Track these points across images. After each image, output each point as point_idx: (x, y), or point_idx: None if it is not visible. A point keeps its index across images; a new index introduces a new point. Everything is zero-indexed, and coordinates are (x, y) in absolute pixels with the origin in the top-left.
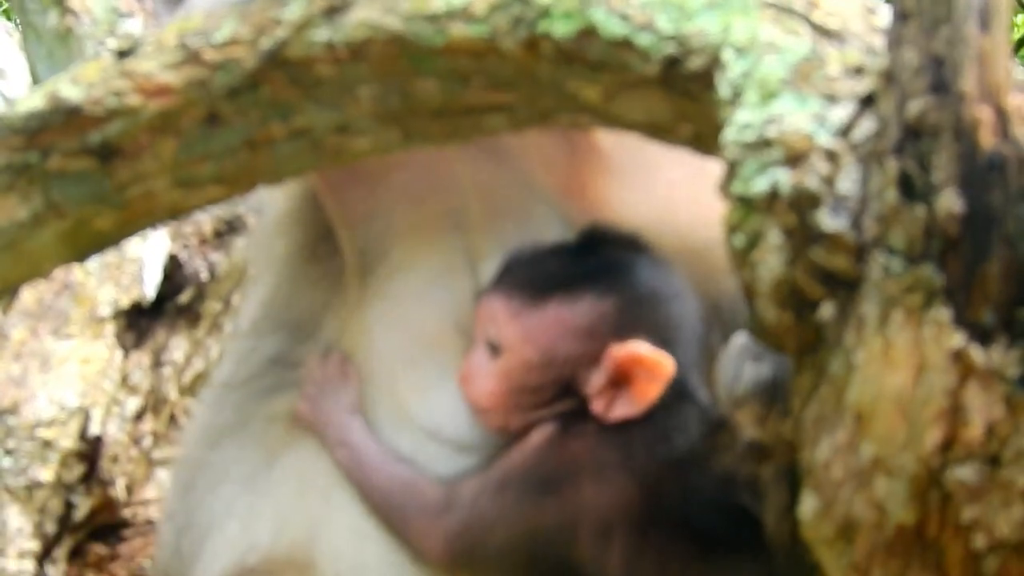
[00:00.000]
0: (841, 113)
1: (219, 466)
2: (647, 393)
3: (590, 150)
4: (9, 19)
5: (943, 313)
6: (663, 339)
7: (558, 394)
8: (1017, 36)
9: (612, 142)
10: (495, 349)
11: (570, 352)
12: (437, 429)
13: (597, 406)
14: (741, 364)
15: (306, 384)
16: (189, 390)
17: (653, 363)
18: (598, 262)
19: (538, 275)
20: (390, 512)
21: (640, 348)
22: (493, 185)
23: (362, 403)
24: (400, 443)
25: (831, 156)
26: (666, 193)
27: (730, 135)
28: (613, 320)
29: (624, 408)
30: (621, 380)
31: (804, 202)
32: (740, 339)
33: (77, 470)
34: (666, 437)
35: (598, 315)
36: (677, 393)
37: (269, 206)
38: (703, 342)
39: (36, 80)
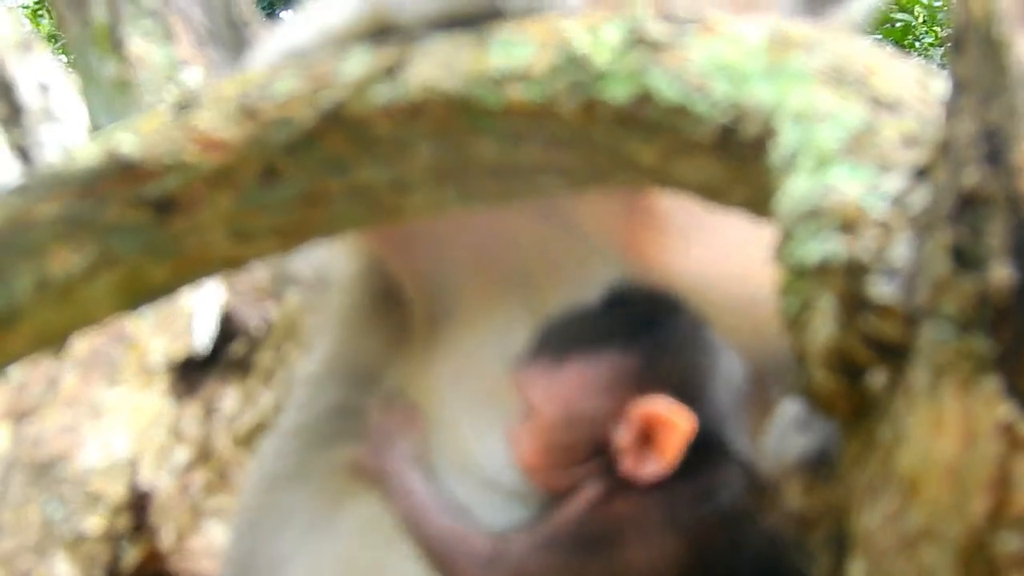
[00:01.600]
0: (895, 183)
1: (281, 511)
2: (670, 449)
3: (647, 209)
4: (69, 64)
5: (993, 383)
6: (689, 394)
7: (594, 452)
8: None
9: (669, 201)
10: (529, 412)
11: (595, 409)
12: (497, 478)
13: (625, 464)
14: (788, 434)
15: (370, 432)
16: (240, 441)
17: (671, 419)
18: (622, 319)
19: (563, 335)
20: (441, 564)
21: (658, 404)
22: (553, 245)
23: (425, 451)
24: (460, 491)
25: (884, 226)
26: (724, 252)
27: (783, 203)
28: (635, 376)
29: (652, 465)
30: (646, 437)
31: (856, 271)
32: (787, 408)
33: (126, 520)
34: (710, 495)
35: (619, 371)
36: (715, 449)
37: (334, 267)
38: (742, 397)
39: (95, 126)
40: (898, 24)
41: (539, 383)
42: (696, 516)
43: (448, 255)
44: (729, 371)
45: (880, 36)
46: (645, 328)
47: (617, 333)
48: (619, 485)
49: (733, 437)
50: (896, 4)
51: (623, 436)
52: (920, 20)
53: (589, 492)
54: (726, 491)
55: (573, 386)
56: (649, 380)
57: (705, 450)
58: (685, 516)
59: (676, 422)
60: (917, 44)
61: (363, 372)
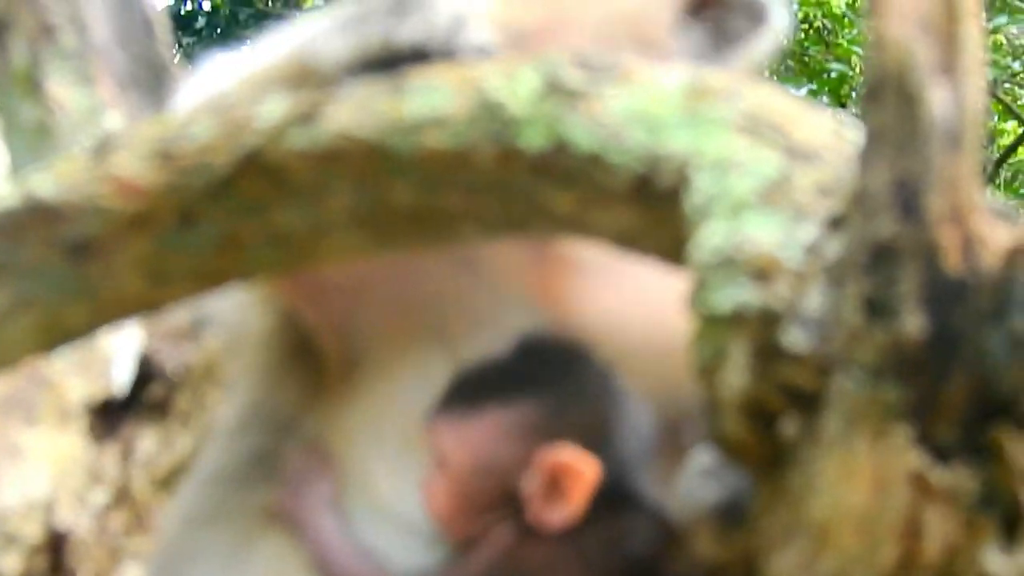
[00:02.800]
0: (809, 232)
1: (196, 552)
2: (576, 497)
3: (559, 258)
4: None
5: (904, 432)
6: (596, 442)
7: (505, 502)
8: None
9: (582, 250)
10: (440, 462)
11: (503, 458)
12: (411, 523)
13: (533, 511)
14: (699, 481)
15: (286, 477)
16: (158, 483)
17: (577, 467)
18: (531, 369)
19: (471, 388)
20: None
21: (565, 452)
22: (468, 295)
23: (340, 496)
24: (374, 536)
25: (798, 275)
26: (636, 300)
27: (697, 250)
28: (544, 425)
29: (559, 513)
30: (553, 485)
31: (769, 319)
32: (699, 455)
33: (43, 561)
34: (618, 542)
35: (527, 420)
36: (623, 497)
37: (250, 316)
38: (650, 445)
39: (17, 168)
40: (833, 74)
41: (449, 433)
42: (604, 564)
43: (363, 304)
44: (637, 420)
45: (816, 86)
46: (554, 378)
47: (526, 383)
48: (528, 532)
49: (641, 485)
50: (832, 54)
51: (531, 484)
52: (857, 70)
53: (499, 539)
54: (634, 539)
55: (483, 436)
56: (557, 429)
57: (613, 498)
58: (593, 564)
59: (582, 470)
60: (853, 94)
61: (280, 419)
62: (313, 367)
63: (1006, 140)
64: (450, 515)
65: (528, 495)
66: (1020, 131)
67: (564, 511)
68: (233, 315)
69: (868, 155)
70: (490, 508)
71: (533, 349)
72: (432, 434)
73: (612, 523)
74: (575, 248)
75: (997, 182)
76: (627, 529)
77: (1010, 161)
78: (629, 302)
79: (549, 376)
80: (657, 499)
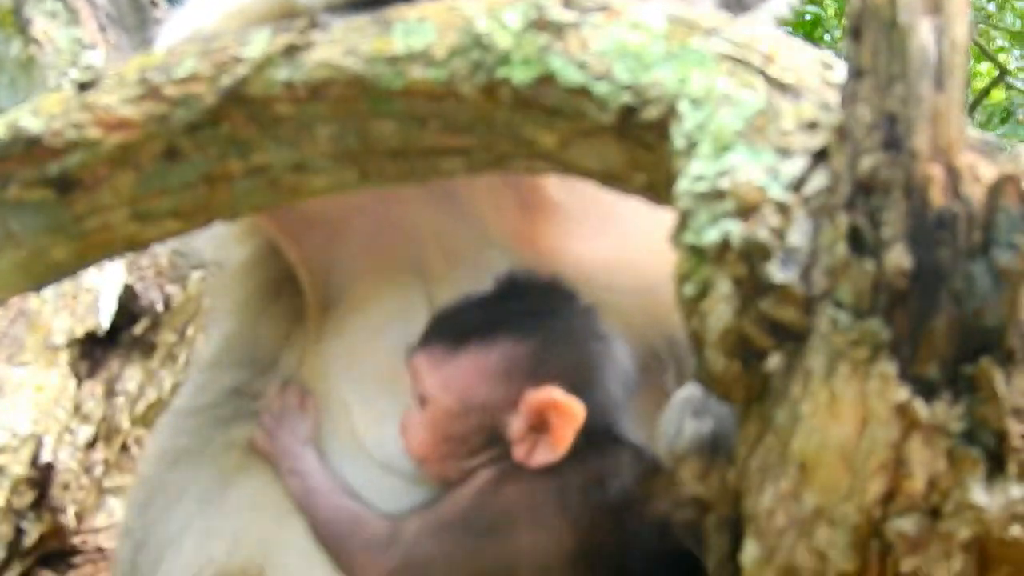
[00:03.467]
0: (794, 167)
1: (176, 487)
2: (562, 438)
3: (542, 200)
4: None
5: (889, 367)
6: (581, 382)
7: (487, 442)
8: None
9: (566, 193)
10: (422, 401)
11: (488, 398)
12: (389, 462)
13: (518, 452)
14: (682, 419)
15: (264, 414)
16: (142, 420)
17: (565, 408)
18: (514, 309)
19: (456, 326)
20: (335, 544)
21: (552, 393)
22: (449, 233)
23: (317, 435)
24: (353, 474)
25: (782, 209)
26: (621, 242)
27: (683, 186)
28: (528, 365)
29: (543, 454)
30: (538, 426)
31: (754, 254)
32: (682, 394)
33: (28, 496)
34: (600, 482)
35: (512, 360)
36: (605, 437)
37: (231, 252)
38: (633, 385)
39: (1, 106)
40: (808, 17)
41: (430, 371)
42: (587, 503)
43: (344, 241)
44: (620, 360)
45: (790, 29)
46: (538, 318)
47: (510, 323)
48: (510, 472)
49: (624, 424)
50: None
51: (515, 425)
52: (831, 13)
53: (481, 478)
54: (617, 478)
55: (468, 375)
56: (541, 369)
57: (596, 438)
58: (576, 503)
59: (568, 410)
60: (827, 37)
61: (259, 356)
62: (292, 304)
63: (980, 83)
64: (430, 454)
65: (513, 435)
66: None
67: (549, 451)
68: (215, 250)
69: (853, 91)
70: (471, 448)
71: (516, 289)
72: (412, 373)
73: (595, 462)
74: (559, 193)
75: (971, 124)
76: (610, 468)
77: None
78: (613, 244)
79: (532, 316)
80: (640, 438)
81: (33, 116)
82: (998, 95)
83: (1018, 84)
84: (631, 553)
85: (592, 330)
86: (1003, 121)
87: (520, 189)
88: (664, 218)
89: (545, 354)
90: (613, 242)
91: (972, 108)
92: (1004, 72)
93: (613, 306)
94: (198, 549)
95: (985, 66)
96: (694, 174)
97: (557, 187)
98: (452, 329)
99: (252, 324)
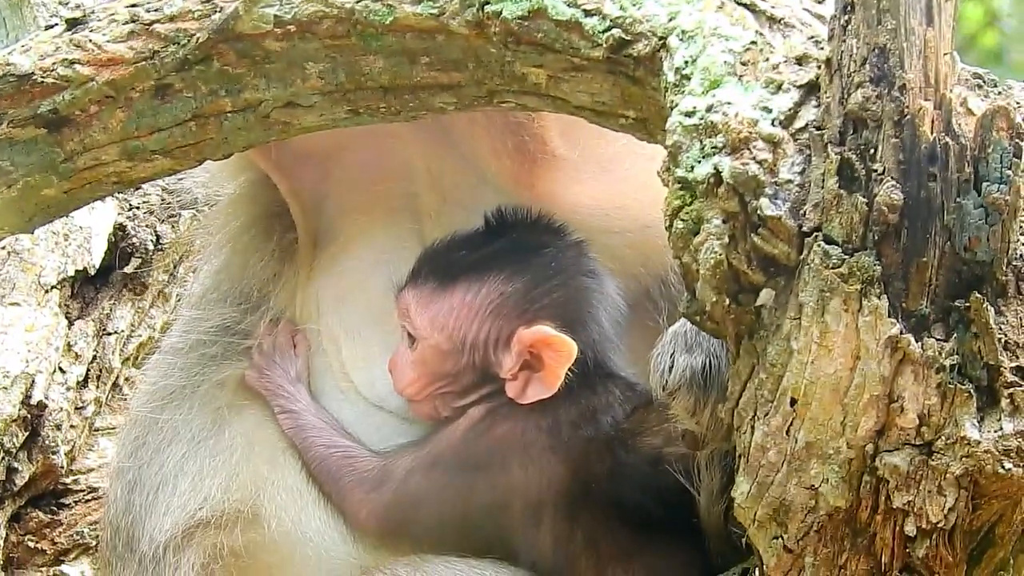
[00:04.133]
0: (784, 101)
1: (168, 426)
2: (555, 375)
3: (542, 146)
4: None
5: (880, 302)
6: (572, 319)
7: (479, 380)
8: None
9: (565, 142)
10: (412, 339)
11: (478, 335)
12: (380, 400)
13: (511, 390)
14: (674, 354)
15: (255, 352)
16: (133, 359)
17: (557, 344)
18: (503, 246)
19: (445, 263)
20: (327, 482)
21: (545, 330)
22: (445, 172)
23: (308, 373)
24: (344, 412)
25: (773, 143)
26: (618, 188)
27: (674, 120)
28: (518, 302)
29: (536, 391)
30: (530, 363)
31: (745, 187)
32: (673, 328)
33: (19, 436)
34: (592, 417)
35: (503, 297)
36: (597, 373)
37: (220, 186)
38: (624, 320)
39: None
40: None
41: (423, 311)
42: (579, 438)
43: (336, 177)
44: (611, 295)
45: None
46: (528, 254)
47: (500, 259)
48: (502, 409)
49: (616, 359)
50: None
51: (507, 362)
52: None
53: (472, 416)
54: (609, 413)
55: (457, 313)
56: (532, 306)
57: (587, 375)
58: (568, 438)
59: (560, 347)
60: None
61: (249, 293)
62: (283, 242)
63: (969, 28)
64: (419, 393)
65: (505, 373)
66: (983, 17)
67: (542, 388)
68: (205, 186)
69: (843, 24)
70: (462, 386)
71: (505, 225)
72: (401, 311)
73: (587, 398)
74: (559, 142)
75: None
76: (602, 403)
77: (974, 48)
78: (609, 192)
79: (522, 252)
80: (631, 375)
81: (23, 54)
82: (990, 39)
83: (1007, 28)
84: (623, 487)
85: (583, 266)
86: (994, 66)
87: (520, 134)
88: (655, 160)
89: (536, 291)
90: (610, 188)
91: (962, 52)
92: (995, 16)
93: (607, 247)
94: (193, 489)
95: (974, 9)
96: (685, 109)
97: (557, 136)
98: (441, 266)
99: (242, 260)
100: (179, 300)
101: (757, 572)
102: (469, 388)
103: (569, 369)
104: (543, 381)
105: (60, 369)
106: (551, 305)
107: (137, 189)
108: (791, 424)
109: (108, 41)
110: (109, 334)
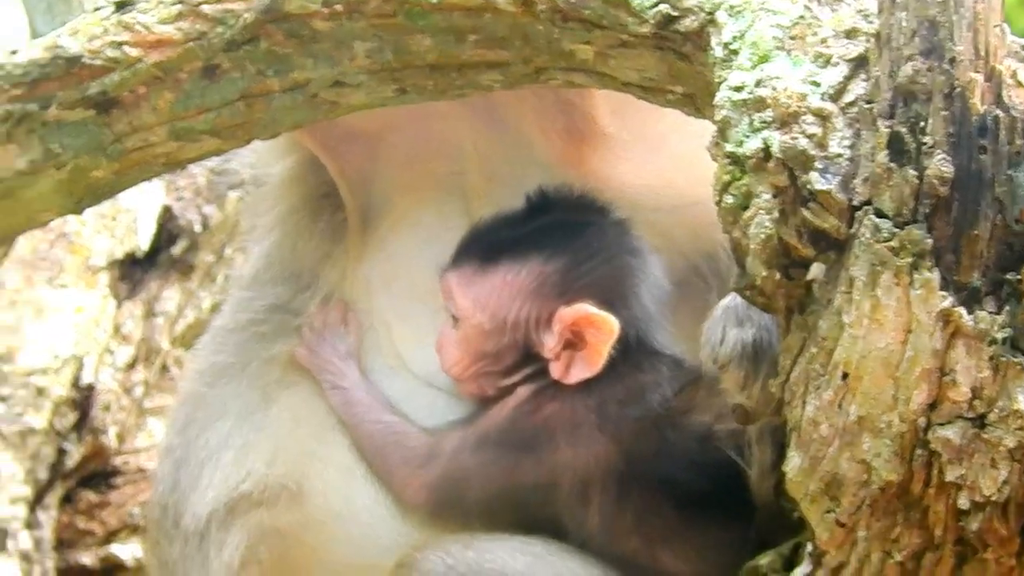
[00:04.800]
0: (833, 75)
1: (217, 403)
2: (598, 353)
3: (591, 126)
4: None
5: (931, 275)
6: (613, 297)
7: (522, 360)
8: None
9: (615, 122)
10: (455, 320)
11: (519, 315)
12: (429, 378)
13: (554, 370)
14: (725, 328)
15: (306, 330)
16: (181, 340)
17: (599, 323)
18: (545, 225)
19: (487, 244)
20: (375, 458)
21: (585, 308)
22: (493, 151)
23: (359, 350)
24: (394, 389)
25: (822, 117)
26: (668, 165)
27: (722, 95)
28: (559, 281)
29: (580, 370)
30: (573, 342)
31: (795, 162)
32: (723, 303)
33: (70, 418)
34: (639, 396)
35: (543, 277)
36: (641, 351)
37: (268, 167)
38: (666, 297)
39: (35, 35)
40: None
41: (465, 292)
42: (626, 417)
43: (384, 157)
44: (654, 273)
45: None
46: (569, 233)
47: (541, 239)
48: (549, 389)
49: (660, 337)
50: None
51: (549, 342)
52: None
53: (519, 395)
54: (656, 391)
55: (498, 293)
56: (573, 285)
57: (632, 353)
58: (615, 418)
59: (602, 325)
60: None
61: (299, 272)
62: (332, 222)
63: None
64: (465, 372)
65: (547, 353)
66: None
67: (585, 367)
68: (253, 167)
69: None
70: (506, 365)
71: (547, 204)
72: (445, 291)
73: (633, 376)
74: (608, 121)
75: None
76: (648, 381)
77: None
78: (659, 170)
79: (563, 232)
80: (678, 352)
81: (72, 37)
82: None
83: None
84: (672, 466)
85: (625, 244)
86: None
87: (569, 114)
88: (705, 138)
89: (576, 270)
90: (659, 166)
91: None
92: None
93: (656, 225)
94: (236, 463)
95: None
96: (733, 84)
97: (607, 115)
98: (482, 247)
99: (292, 240)
100: (227, 281)
101: (809, 547)
102: (513, 368)
103: (612, 347)
104: (586, 360)
105: (109, 351)
106: (591, 284)
107: (184, 170)
108: (843, 398)
109: (156, 22)
110: (157, 315)
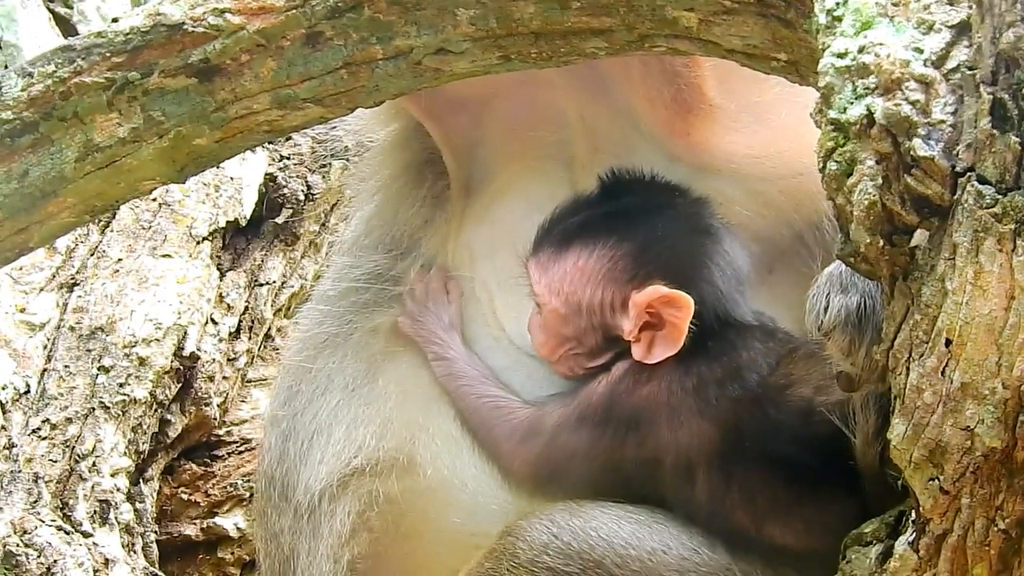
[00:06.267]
0: (936, 42)
1: (322, 374)
2: (678, 331)
3: (698, 96)
4: None
5: None
6: (684, 277)
7: (604, 342)
8: None
9: (722, 92)
10: (537, 304)
11: (592, 300)
12: (530, 349)
13: (636, 351)
14: (829, 294)
15: (408, 299)
16: (284, 310)
17: (674, 301)
18: (616, 210)
19: (560, 229)
20: (479, 430)
21: (658, 289)
22: (598, 120)
23: (461, 320)
24: (497, 360)
25: (925, 84)
26: (773, 135)
27: (826, 62)
28: (628, 265)
29: (662, 349)
30: (651, 323)
31: (898, 128)
32: (828, 271)
33: (172, 388)
34: (737, 375)
35: (612, 261)
36: (728, 327)
37: (372, 133)
38: (744, 275)
39: (136, 2)
40: None
41: (540, 276)
42: (726, 398)
43: (488, 124)
44: (728, 252)
45: None
46: (641, 216)
47: (611, 224)
48: (644, 370)
49: (741, 312)
50: None
51: (627, 326)
52: None
53: (614, 375)
54: (754, 370)
55: (571, 278)
56: (644, 268)
57: (719, 330)
58: (715, 400)
59: (676, 303)
60: None
61: (400, 239)
62: (433, 189)
63: None
64: (552, 353)
65: (629, 336)
66: None
67: (667, 346)
68: (357, 134)
69: None
70: (590, 348)
71: (620, 188)
72: (528, 275)
73: (729, 356)
74: (715, 92)
75: None
76: (744, 361)
77: None
78: (764, 141)
79: (635, 215)
80: (770, 318)
81: (174, 4)
82: None
83: None
84: (776, 442)
85: (698, 223)
86: None
87: (676, 83)
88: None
89: (646, 252)
90: (764, 136)
91: None
92: None
93: (761, 194)
94: (347, 438)
95: None
96: (837, 50)
97: (714, 85)
98: (556, 232)
99: (393, 207)
100: (331, 249)
101: (914, 514)
102: (597, 350)
103: (692, 324)
104: (667, 338)
105: (212, 320)
106: (662, 265)
107: (287, 139)
108: (946, 365)
109: None
110: (261, 285)
